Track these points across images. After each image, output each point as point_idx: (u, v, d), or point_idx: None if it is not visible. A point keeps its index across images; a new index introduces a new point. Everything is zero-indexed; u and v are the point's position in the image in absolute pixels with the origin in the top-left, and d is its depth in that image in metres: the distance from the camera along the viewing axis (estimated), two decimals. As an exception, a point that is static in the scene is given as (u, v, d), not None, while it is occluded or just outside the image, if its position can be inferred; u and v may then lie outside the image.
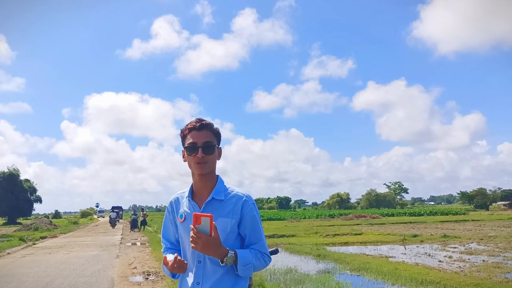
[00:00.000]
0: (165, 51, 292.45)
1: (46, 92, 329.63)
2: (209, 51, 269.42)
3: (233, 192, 1.99)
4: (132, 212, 32.45)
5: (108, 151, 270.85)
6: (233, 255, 1.82)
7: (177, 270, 1.90)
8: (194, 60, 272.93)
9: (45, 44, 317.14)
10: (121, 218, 57.27)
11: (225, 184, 2.04)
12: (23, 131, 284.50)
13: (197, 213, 1.76)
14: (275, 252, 2.38)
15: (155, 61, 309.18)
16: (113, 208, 53.57)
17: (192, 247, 1.79)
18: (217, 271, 1.88)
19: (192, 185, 2.05)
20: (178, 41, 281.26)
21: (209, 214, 1.74)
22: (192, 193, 2.04)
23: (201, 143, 1.93)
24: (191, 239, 1.77)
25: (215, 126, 2.04)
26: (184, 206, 2.02)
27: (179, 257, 1.92)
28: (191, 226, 1.76)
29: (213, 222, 1.74)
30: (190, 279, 1.94)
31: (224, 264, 1.81)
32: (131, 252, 14.95)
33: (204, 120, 2.01)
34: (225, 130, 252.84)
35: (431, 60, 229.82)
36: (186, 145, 1.98)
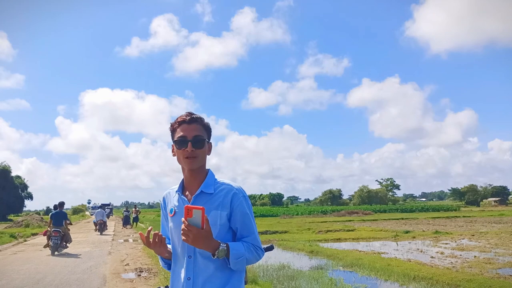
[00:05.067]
0: (163, 49, 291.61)
1: (45, 89, 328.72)
2: (207, 49, 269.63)
3: (223, 185, 1.94)
4: (125, 209, 32.32)
5: (102, 147, 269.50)
6: (225, 247, 1.78)
7: (154, 245, 1.91)
8: (192, 58, 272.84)
9: (45, 42, 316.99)
10: (112, 215, 57.46)
11: (216, 177, 2.00)
12: (18, 127, 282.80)
13: (189, 205, 1.72)
14: (270, 248, 2.35)
15: (153, 58, 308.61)
16: (102, 205, 56.81)
17: (183, 239, 1.74)
18: (208, 266, 1.85)
19: (182, 180, 2.02)
20: (176, 39, 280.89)
21: (201, 207, 1.70)
22: (183, 188, 2.01)
23: (191, 137, 1.90)
24: (182, 231, 1.73)
25: (206, 120, 2.00)
26: (174, 201, 1.99)
27: (155, 232, 1.93)
28: (183, 219, 1.72)
29: (205, 215, 1.71)
30: (181, 274, 1.90)
31: (216, 257, 1.77)
32: (123, 249, 14.88)
33: (195, 114, 1.97)
34: (220, 126, 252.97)
35: (424, 58, 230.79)
36: (175, 139, 1.93)
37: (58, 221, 13.83)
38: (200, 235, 1.71)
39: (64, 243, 14.03)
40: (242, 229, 1.92)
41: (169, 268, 2.08)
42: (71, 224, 16.37)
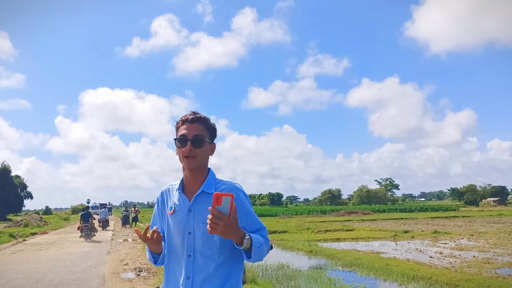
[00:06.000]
0: (163, 49, 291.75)
1: (45, 89, 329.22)
2: (208, 49, 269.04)
3: (224, 185, 1.94)
4: (124, 209, 32.35)
5: (102, 147, 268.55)
6: (250, 237, 1.78)
7: (151, 241, 1.88)
8: (193, 58, 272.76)
9: (47, 42, 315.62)
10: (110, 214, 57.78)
11: (216, 177, 2.00)
12: (18, 127, 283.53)
13: (218, 192, 1.69)
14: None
15: (153, 58, 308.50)
16: (101, 204, 58.52)
17: (210, 230, 1.68)
18: (208, 265, 1.84)
19: (182, 178, 2.01)
20: (177, 39, 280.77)
21: (231, 193, 1.68)
22: (183, 186, 2.00)
23: (191, 136, 1.89)
24: (208, 221, 1.67)
25: (211, 121, 1.99)
26: (175, 199, 1.98)
27: (154, 229, 1.90)
28: (210, 208, 1.68)
29: (233, 203, 1.69)
30: (179, 273, 1.89)
31: (243, 247, 1.75)
32: (122, 249, 14.88)
33: (199, 114, 1.96)
34: (220, 126, 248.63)
35: (424, 58, 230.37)
36: (177, 137, 1.94)
37: (86, 218, 19.19)
38: (231, 223, 1.68)
39: (93, 233, 19.56)
40: (251, 225, 1.93)
41: (155, 262, 2.05)
42: (94, 219, 21.82)
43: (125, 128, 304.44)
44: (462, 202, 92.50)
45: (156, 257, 2.04)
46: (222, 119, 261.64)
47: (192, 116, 1.94)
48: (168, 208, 2.00)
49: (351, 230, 23.78)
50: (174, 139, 1.96)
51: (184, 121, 1.95)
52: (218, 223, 1.66)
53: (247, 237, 1.76)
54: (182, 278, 1.87)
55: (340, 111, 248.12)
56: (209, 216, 1.67)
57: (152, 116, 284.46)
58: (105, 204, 61.34)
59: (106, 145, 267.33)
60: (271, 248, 2.27)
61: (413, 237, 19.28)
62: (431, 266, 10.73)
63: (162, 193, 2.09)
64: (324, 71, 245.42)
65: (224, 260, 1.84)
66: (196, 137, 1.90)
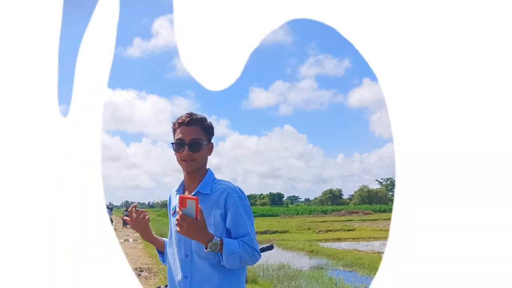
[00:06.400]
0: (164, 50, 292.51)
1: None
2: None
3: (220, 185, 1.92)
4: (124, 209, 32.49)
5: (103, 147, 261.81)
6: (218, 241, 1.74)
7: (136, 221, 1.99)
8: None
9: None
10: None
11: (215, 177, 1.98)
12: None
13: (183, 195, 1.73)
14: (270, 247, 2.34)
15: (154, 58, 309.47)
16: None
17: (178, 231, 1.73)
18: (205, 265, 1.83)
19: (183, 180, 2.02)
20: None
21: (195, 197, 1.70)
22: (184, 188, 2.01)
23: (188, 140, 1.87)
24: (176, 222, 1.72)
25: (208, 121, 1.97)
26: (176, 200, 1.98)
27: (141, 209, 2.01)
28: (177, 209, 1.73)
29: (199, 206, 1.69)
30: (178, 273, 1.90)
31: (208, 249, 1.73)
32: (123, 249, 14.82)
33: (195, 115, 1.93)
34: (221, 126, 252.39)
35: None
36: (174, 141, 1.93)
37: None
38: (194, 226, 1.70)
39: None
40: (237, 229, 1.87)
41: (162, 260, 2.13)
42: None
43: (125, 128, 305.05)
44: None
45: (160, 254, 2.15)
46: (223, 119, 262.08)
47: (188, 119, 1.91)
48: (171, 209, 2.02)
49: (352, 230, 23.77)
50: (172, 143, 1.94)
51: (180, 123, 1.91)
52: (183, 225, 1.70)
53: (213, 242, 1.73)
54: (180, 278, 1.87)
55: (341, 111, 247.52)
56: (177, 217, 1.72)
57: (153, 116, 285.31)
58: (106, 205, 62.06)
59: (107, 145, 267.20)
60: (272, 248, 2.27)
61: (414, 237, 19.24)
62: (432, 266, 10.72)
63: (169, 196, 2.12)
64: (325, 71, 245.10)
65: (220, 261, 1.81)
66: (193, 141, 1.88)
